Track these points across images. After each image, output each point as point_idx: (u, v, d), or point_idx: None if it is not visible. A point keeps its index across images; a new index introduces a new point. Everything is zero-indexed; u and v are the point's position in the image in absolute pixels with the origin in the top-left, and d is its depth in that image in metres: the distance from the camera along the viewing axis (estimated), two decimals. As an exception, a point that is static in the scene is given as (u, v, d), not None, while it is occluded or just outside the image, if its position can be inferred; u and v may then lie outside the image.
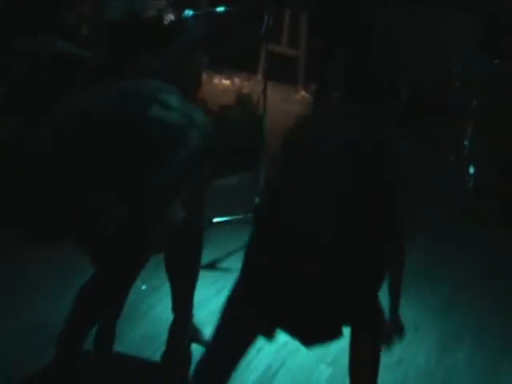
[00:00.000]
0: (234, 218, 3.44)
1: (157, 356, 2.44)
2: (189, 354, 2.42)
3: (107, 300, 2.17)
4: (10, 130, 2.14)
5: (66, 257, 2.60)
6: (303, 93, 5.43)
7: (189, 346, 2.45)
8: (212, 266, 3.10)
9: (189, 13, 3.65)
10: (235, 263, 2.13)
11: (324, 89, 4.93)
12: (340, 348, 2.45)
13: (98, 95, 2.09)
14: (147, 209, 1.94)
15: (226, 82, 5.48)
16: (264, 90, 4.04)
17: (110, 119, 1.99)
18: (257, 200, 3.23)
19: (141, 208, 1.94)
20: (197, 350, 2.38)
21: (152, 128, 1.95)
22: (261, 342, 2.22)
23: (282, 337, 2.04)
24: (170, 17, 3.65)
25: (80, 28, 3.39)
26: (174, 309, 2.47)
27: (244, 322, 1.87)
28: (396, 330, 2.02)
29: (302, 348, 1.98)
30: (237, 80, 5.57)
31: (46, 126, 2.07)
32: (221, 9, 3.69)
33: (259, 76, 5.57)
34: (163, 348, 2.44)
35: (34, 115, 2.24)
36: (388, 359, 2.51)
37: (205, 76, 4.92)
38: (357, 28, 4.69)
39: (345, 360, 1.99)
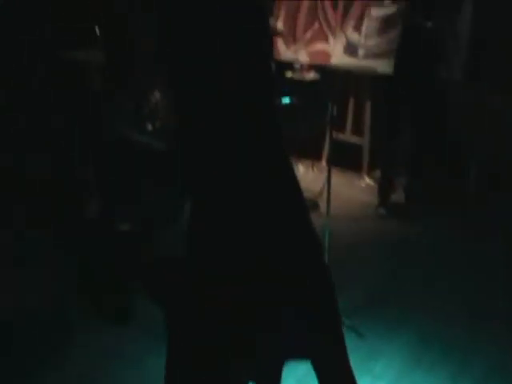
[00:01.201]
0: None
1: None
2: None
3: None
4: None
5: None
6: (367, 180, 5.41)
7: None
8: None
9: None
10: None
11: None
12: None
13: None
14: None
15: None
16: (328, 177, 4.04)
17: None
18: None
19: None
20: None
21: None
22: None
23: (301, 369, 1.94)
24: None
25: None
26: None
27: None
28: None
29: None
30: (301, 167, 5.61)
31: None
32: (286, 100, 3.79)
33: (323, 163, 5.61)
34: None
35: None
36: None
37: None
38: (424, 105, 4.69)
39: None
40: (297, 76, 5.02)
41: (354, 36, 5.42)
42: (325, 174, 4.48)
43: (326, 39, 5.56)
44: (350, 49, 5.42)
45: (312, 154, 5.63)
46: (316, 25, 5.63)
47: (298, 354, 1.89)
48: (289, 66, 5.19)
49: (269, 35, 1.82)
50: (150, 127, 2.93)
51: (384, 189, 4.91)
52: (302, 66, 5.16)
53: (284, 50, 5.62)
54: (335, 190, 4.95)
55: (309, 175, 5.46)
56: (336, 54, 5.49)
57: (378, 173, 5.13)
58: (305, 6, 5.69)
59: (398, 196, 4.98)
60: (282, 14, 5.76)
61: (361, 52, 5.36)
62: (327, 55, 5.53)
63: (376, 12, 5.31)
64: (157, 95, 3.00)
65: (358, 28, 5.40)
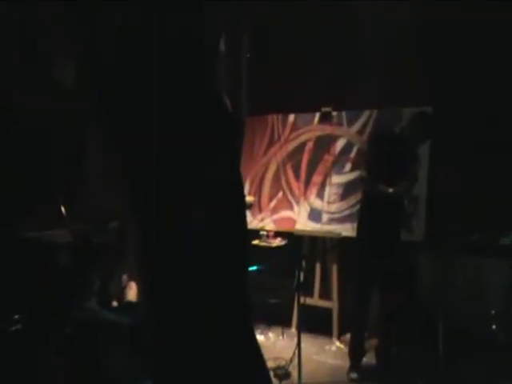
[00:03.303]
0: None
1: None
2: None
3: None
4: None
5: None
6: (338, 344, 5.38)
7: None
8: None
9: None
10: None
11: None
12: None
13: None
14: None
15: (260, 338, 5.46)
16: (298, 343, 4.03)
17: None
18: None
19: None
20: None
21: None
22: None
23: None
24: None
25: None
26: None
27: None
28: None
29: None
30: (271, 334, 5.58)
31: None
32: (253, 268, 3.88)
33: (293, 329, 5.59)
34: None
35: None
36: None
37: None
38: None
39: None
40: (263, 243, 5.16)
41: (316, 202, 5.68)
42: (295, 341, 4.49)
43: (290, 207, 5.81)
44: (314, 215, 5.65)
45: (282, 320, 5.63)
46: (280, 194, 5.90)
47: None
48: (255, 233, 5.35)
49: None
50: (116, 304, 2.96)
51: (355, 352, 4.88)
52: (268, 233, 5.32)
53: (250, 220, 5.82)
54: (306, 355, 4.92)
55: (279, 342, 5.41)
56: (301, 220, 5.70)
57: (348, 336, 5.12)
58: (269, 176, 6.00)
59: (369, 359, 4.94)
60: (247, 185, 6.04)
61: (324, 217, 5.58)
62: (292, 222, 5.74)
63: (337, 179, 5.62)
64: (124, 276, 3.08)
65: (320, 195, 5.67)
